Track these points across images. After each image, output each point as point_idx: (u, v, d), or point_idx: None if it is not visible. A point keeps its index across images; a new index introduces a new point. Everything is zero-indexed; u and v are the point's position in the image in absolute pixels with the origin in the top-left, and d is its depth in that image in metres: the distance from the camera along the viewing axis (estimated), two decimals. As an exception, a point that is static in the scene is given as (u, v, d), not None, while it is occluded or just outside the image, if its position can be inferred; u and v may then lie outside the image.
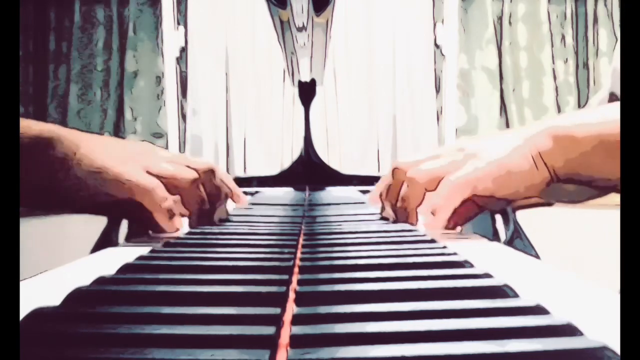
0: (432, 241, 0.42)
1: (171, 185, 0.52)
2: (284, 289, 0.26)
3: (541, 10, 2.31)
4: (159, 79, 2.30)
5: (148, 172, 0.51)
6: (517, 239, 0.63)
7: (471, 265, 0.32)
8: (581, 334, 0.20)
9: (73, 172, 0.49)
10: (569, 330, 0.20)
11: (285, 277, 0.29)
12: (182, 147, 2.07)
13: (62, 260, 0.42)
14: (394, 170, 0.58)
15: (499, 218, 0.67)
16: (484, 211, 0.59)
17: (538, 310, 0.23)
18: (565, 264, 0.42)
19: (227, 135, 2.27)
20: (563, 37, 2.33)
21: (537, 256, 0.59)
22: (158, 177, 0.51)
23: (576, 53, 2.33)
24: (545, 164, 0.53)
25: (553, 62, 2.30)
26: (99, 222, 0.62)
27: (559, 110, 2.29)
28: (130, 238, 0.58)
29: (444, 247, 0.39)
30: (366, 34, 2.30)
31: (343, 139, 2.28)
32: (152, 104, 2.31)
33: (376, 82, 2.29)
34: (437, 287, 0.27)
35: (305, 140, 1.28)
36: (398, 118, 2.28)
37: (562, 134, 0.52)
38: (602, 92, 0.75)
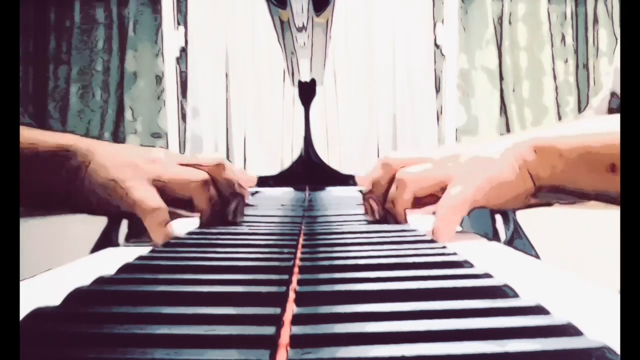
0: (432, 241, 0.42)
1: (182, 189, 0.53)
2: (284, 289, 0.26)
3: (541, 10, 2.31)
4: (159, 79, 2.30)
5: (158, 180, 0.53)
6: (517, 239, 0.63)
7: (471, 265, 0.32)
8: (581, 334, 0.20)
9: (86, 182, 0.52)
10: (569, 330, 0.20)
11: (285, 277, 0.29)
12: (182, 147, 2.07)
13: (62, 260, 0.42)
14: (384, 165, 0.58)
15: (499, 218, 0.67)
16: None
17: (538, 310, 0.23)
18: (565, 264, 0.42)
19: (227, 135, 2.27)
20: (563, 37, 2.33)
21: (537, 256, 0.59)
22: (169, 182, 0.53)
23: (576, 53, 2.33)
24: (530, 175, 0.53)
25: (553, 62, 2.30)
26: (99, 222, 0.62)
27: (559, 110, 2.29)
28: (130, 238, 0.59)
29: (444, 247, 0.39)
30: (366, 34, 2.30)
31: (343, 139, 2.28)
32: (152, 104, 2.31)
33: (376, 82, 2.29)
34: (437, 287, 0.27)
35: (305, 140, 1.28)
36: (398, 118, 2.28)
37: (545, 146, 0.53)
38: (603, 92, 0.75)
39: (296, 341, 0.20)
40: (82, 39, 2.32)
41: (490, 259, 0.44)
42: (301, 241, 0.43)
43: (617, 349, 0.19)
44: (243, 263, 0.34)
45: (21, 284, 0.33)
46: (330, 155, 2.22)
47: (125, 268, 0.32)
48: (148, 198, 0.51)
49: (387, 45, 2.29)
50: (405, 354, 0.18)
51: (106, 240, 0.58)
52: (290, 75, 1.36)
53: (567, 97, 2.31)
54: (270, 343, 0.20)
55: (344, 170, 1.29)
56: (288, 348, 0.20)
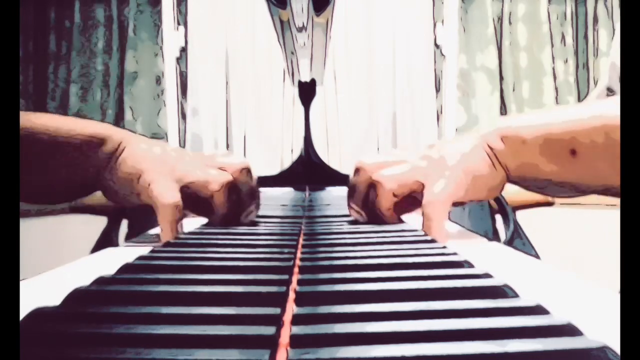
0: (432, 241, 0.42)
1: (204, 189, 0.55)
2: (284, 289, 0.26)
3: (541, 10, 2.31)
4: (159, 79, 2.30)
5: (182, 179, 0.54)
6: (517, 239, 0.63)
7: (471, 265, 0.32)
8: (581, 334, 0.20)
9: (115, 170, 0.55)
10: (569, 330, 0.20)
11: (285, 277, 0.29)
12: (182, 147, 2.07)
13: (62, 260, 0.42)
14: (358, 169, 0.58)
15: (499, 218, 0.67)
16: None
17: (538, 310, 0.23)
18: (565, 264, 0.42)
19: (227, 135, 2.27)
20: (563, 37, 2.33)
21: (537, 256, 0.59)
22: (193, 181, 0.54)
23: (576, 53, 2.33)
24: (500, 163, 0.54)
25: (553, 62, 2.30)
26: (99, 222, 0.62)
27: (559, 110, 2.29)
28: (130, 238, 0.59)
29: (444, 247, 0.38)
30: (366, 34, 2.30)
31: (343, 139, 2.28)
32: (152, 104, 2.31)
33: (376, 82, 2.29)
34: (437, 287, 0.27)
35: (305, 140, 1.28)
36: (398, 118, 2.28)
37: (511, 135, 0.54)
38: (598, 87, 0.75)
39: (296, 341, 0.20)
40: (82, 39, 2.32)
41: (490, 259, 0.44)
42: (301, 241, 0.43)
43: (617, 349, 0.19)
44: (243, 263, 0.34)
45: (21, 284, 0.33)
46: (330, 155, 2.22)
47: (125, 268, 0.32)
48: (167, 193, 0.53)
49: (387, 45, 2.29)
50: (405, 354, 0.18)
51: (106, 240, 0.58)
52: (290, 75, 1.36)
53: (567, 97, 2.31)
54: (270, 343, 0.19)
55: (344, 170, 1.29)
56: (288, 348, 0.20)
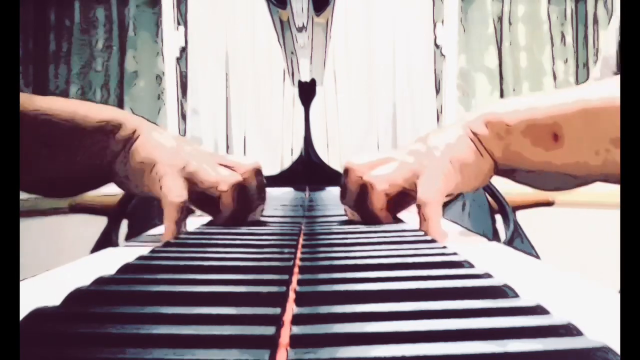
0: (432, 241, 0.42)
1: (213, 187, 0.55)
2: (284, 289, 0.26)
3: (541, 10, 2.31)
4: (159, 79, 2.30)
5: (192, 176, 0.54)
6: (517, 239, 0.63)
7: (471, 265, 0.32)
8: (581, 334, 0.20)
9: (128, 157, 0.55)
10: (569, 330, 0.20)
11: (285, 277, 0.29)
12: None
13: (62, 260, 0.42)
14: (348, 171, 0.58)
15: (499, 218, 0.67)
16: None
17: (538, 310, 0.23)
18: (565, 264, 0.42)
19: (227, 135, 2.27)
20: (563, 37, 2.33)
21: (537, 256, 0.59)
22: (202, 179, 0.54)
23: (576, 53, 2.33)
24: (486, 149, 0.54)
25: (553, 62, 2.30)
26: (99, 222, 0.62)
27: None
28: (130, 238, 0.59)
29: (444, 247, 0.38)
30: (366, 34, 2.30)
31: (343, 139, 2.28)
32: (152, 104, 2.31)
33: (376, 82, 2.29)
34: (437, 287, 0.27)
35: (305, 140, 1.28)
36: (398, 118, 2.28)
37: (495, 120, 0.54)
38: (588, 82, 0.75)
39: (296, 341, 0.20)
40: (82, 39, 2.32)
41: (490, 259, 0.44)
42: (301, 241, 0.43)
43: (617, 349, 0.19)
44: (243, 263, 0.34)
45: (21, 284, 0.33)
46: (330, 155, 2.22)
47: (125, 268, 0.32)
48: (175, 191, 0.53)
49: (387, 45, 2.29)
50: (405, 354, 0.18)
51: (106, 240, 0.58)
52: (290, 75, 1.36)
53: (567, 97, 2.30)
54: (270, 343, 0.19)
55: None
56: (288, 348, 0.20)
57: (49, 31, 2.34)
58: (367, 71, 2.29)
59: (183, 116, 2.22)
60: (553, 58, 2.30)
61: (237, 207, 0.56)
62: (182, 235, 0.49)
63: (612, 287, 0.30)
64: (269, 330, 0.20)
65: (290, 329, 0.21)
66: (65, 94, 2.31)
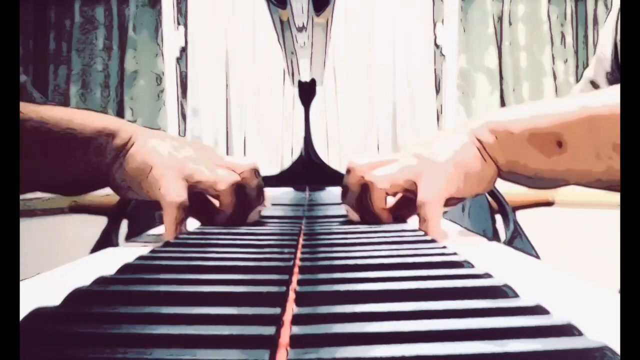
0: (432, 241, 0.42)
1: (212, 188, 0.55)
2: (284, 289, 0.26)
3: (541, 10, 2.31)
4: (159, 79, 2.30)
5: (191, 177, 0.54)
6: (517, 239, 0.63)
7: (471, 265, 0.32)
8: (581, 334, 0.20)
9: (125, 163, 0.55)
10: (569, 330, 0.20)
11: (285, 277, 0.29)
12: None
13: (62, 260, 0.42)
14: (350, 170, 0.58)
15: (499, 218, 0.67)
16: None
17: (538, 310, 0.23)
18: (565, 264, 0.42)
19: (227, 135, 2.27)
20: (563, 37, 2.33)
21: (537, 256, 0.59)
22: (201, 180, 0.54)
23: (576, 53, 2.33)
24: (490, 157, 0.55)
25: (553, 63, 2.30)
26: (99, 222, 0.62)
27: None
28: (130, 238, 0.59)
29: (444, 247, 0.38)
30: (366, 34, 2.30)
31: (343, 139, 2.28)
32: (152, 104, 2.31)
33: (376, 82, 2.29)
34: (437, 287, 0.27)
35: (305, 140, 1.28)
36: (398, 118, 2.28)
37: (500, 128, 0.55)
38: (582, 81, 0.76)
39: (296, 341, 0.20)
40: (82, 39, 2.32)
41: (490, 259, 0.44)
42: (301, 241, 0.43)
43: (617, 349, 0.19)
44: (243, 263, 0.34)
45: (21, 284, 0.33)
46: (330, 155, 2.22)
47: (125, 268, 0.32)
48: (174, 192, 0.53)
49: (387, 45, 2.29)
50: (405, 354, 0.18)
51: (106, 240, 0.58)
52: (290, 75, 1.36)
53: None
54: (270, 343, 0.19)
55: (344, 170, 1.29)
56: (288, 348, 0.20)
57: (49, 31, 2.34)
58: (367, 71, 2.29)
59: (183, 116, 2.22)
60: (553, 58, 2.30)
61: (236, 207, 0.56)
62: (182, 235, 0.49)
63: (612, 287, 0.30)
64: (269, 330, 0.20)
65: (290, 329, 0.21)
66: (65, 94, 2.31)
